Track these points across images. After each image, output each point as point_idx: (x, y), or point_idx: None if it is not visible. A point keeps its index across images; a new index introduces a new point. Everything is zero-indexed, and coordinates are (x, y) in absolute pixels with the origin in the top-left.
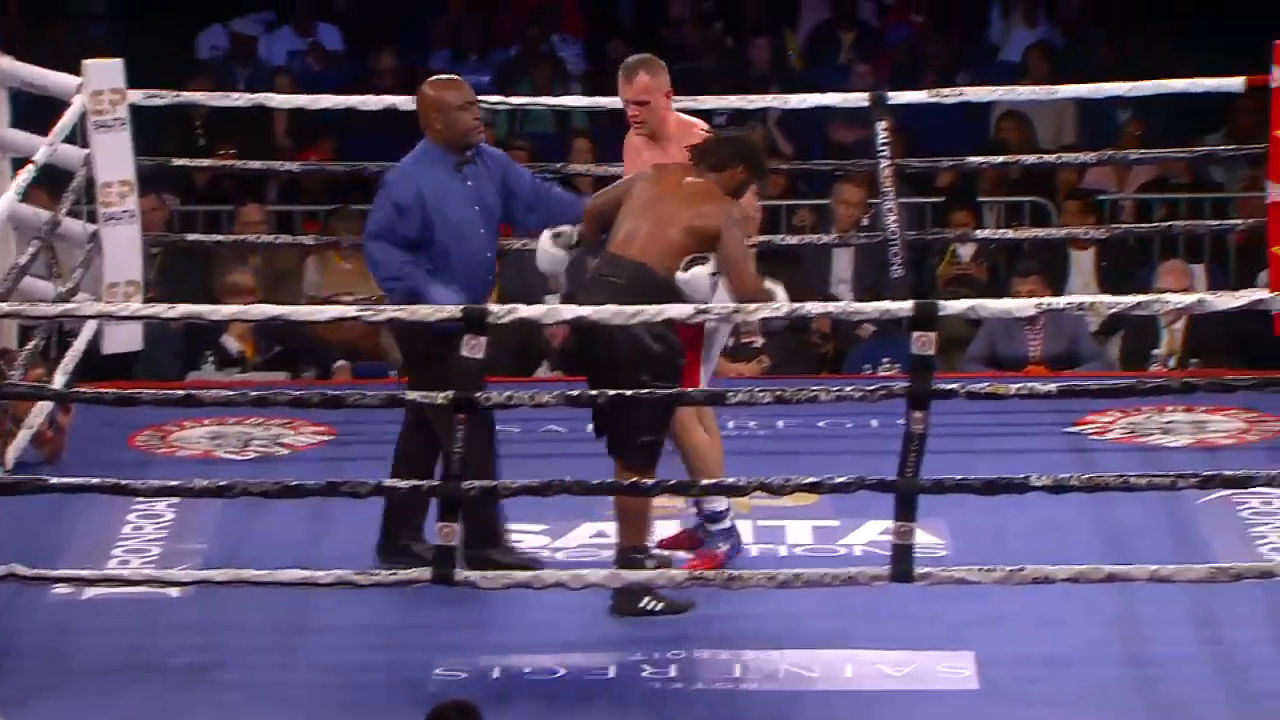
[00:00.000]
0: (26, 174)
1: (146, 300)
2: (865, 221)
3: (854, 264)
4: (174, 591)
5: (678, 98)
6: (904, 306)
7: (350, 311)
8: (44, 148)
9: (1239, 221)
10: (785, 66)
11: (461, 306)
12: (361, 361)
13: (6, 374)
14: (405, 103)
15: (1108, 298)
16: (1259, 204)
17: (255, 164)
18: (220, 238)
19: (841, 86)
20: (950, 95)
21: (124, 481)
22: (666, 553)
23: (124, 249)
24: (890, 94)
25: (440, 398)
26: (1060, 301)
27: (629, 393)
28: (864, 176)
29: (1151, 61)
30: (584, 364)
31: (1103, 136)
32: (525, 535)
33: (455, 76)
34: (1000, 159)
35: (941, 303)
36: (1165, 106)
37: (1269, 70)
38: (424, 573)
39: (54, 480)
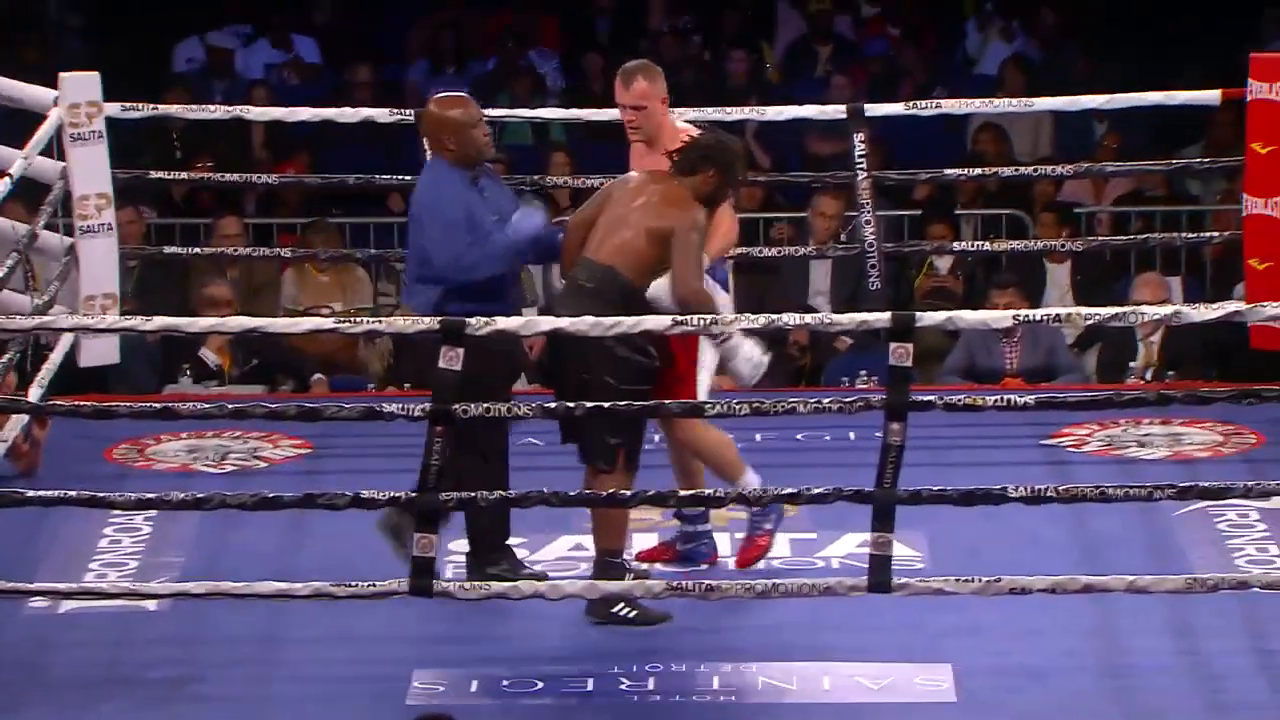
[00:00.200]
0: (3, 187)
1: (123, 313)
2: (843, 234)
3: (831, 276)
4: (151, 604)
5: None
6: (881, 318)
7: (327, 324)
8: (20, 160)
9: (1215, 234)
10: (763, 79)
11: (439, 319)
12: (338, 374)
13: None
14: (382, 115)
15: (1085, 309)
16: (1235, 217)
17: (232, 176)
18: (197, 250)
19: (819, 99)
20: (927, 108)
21: (101, 494)
22: (644, 566)
23: (101, 262)
24: (867, 106)
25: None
26: (1037, 313)
27: (606, 405)
28: (841, 189)
29: (1127, 75)
30: (551, 367)
31: (1079, 149)
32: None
33: (462, 94)
34: (977, 171)
35: (919, 315)
36: (1142, 119)
37: (1245, 84)
38: (401, 584)
39: (30, 493)
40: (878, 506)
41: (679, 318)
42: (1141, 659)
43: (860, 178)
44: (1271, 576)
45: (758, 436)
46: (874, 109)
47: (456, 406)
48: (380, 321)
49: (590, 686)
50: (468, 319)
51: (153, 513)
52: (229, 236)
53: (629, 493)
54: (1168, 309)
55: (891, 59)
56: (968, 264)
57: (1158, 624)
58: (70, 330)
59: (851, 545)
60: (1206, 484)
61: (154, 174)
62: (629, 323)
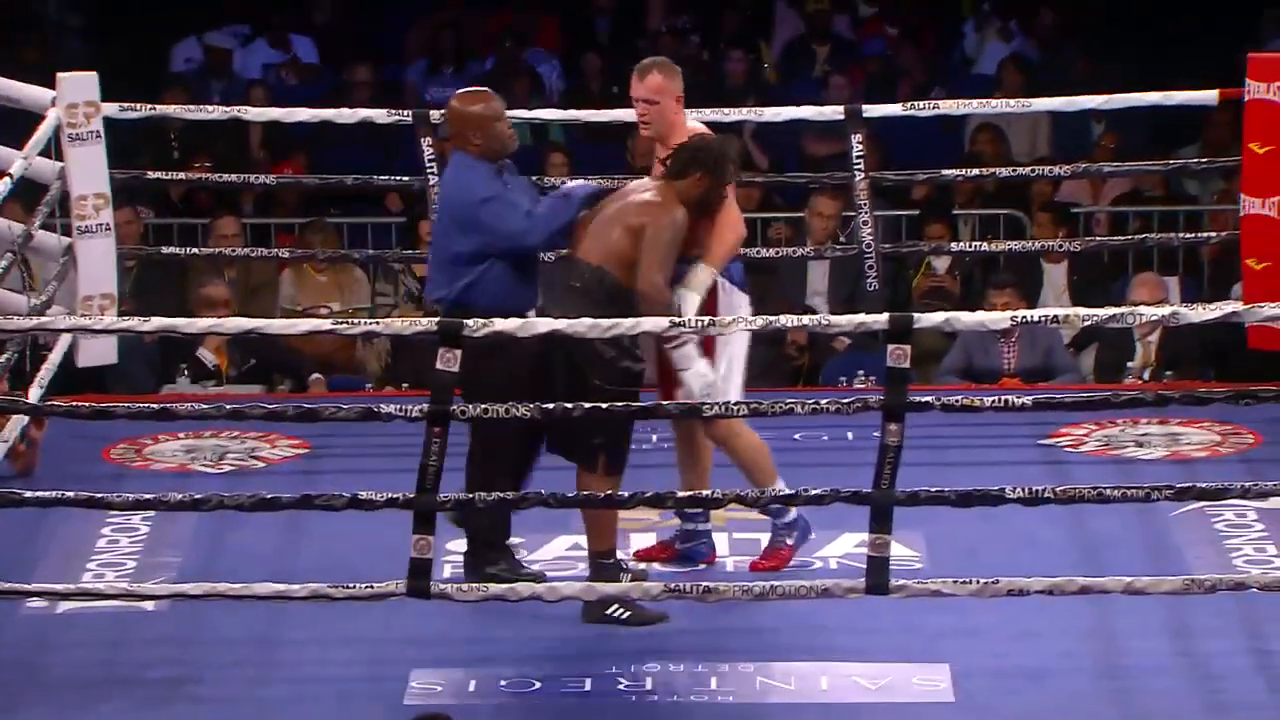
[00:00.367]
0: (1, 187)
1: (121, 313)
2: (841, 235)
3: (829, 277)
4: (149, 605)
5: None
6: (879, 319)
7: (325, 325)
8: (18, 160)
9: (1213, 234)
10: (760, 80)
11: (436, 320)
12: (336, 375)
13: None
14: (380, 116)
15: (1083, 310)
16: (1232, 217)
17: (230, 177)
18: (195, 250)
19: (816, 100)
20: (925, 108)
21: (99, 495)
22: (642, 565)
23: (99, 262)
24: (865, 107)
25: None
26: (1035, 314)
27: (604, 405)
28: (839, 189)
29: (1126, 75)
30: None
31: (1077, 149)
32: None
33: (484, 89)
34: (975, 172)
35: (917, 315)
36: (1139, 120)
37: (1243, 84)
38: (399, 585)
39: (28, 494)
40: (875, 507)
41: (676, 319)
42: (1139, 660)
43: (858, 178)
44: (1269, 577)
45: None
46: (872, 109)
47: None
48: (378, 322)
49: (588, 687)
50: (465, 320)
51: (150, 513)
52: (227, 237)
53: (626, 494)
54: (1165, 309)
55: (889, 59)
56: (965, 264)
57: (1156, 625)
58: (68, 331)
59: (849, 546)
60: (1204, 484)
61: (152, 174)
62: (626, 324)
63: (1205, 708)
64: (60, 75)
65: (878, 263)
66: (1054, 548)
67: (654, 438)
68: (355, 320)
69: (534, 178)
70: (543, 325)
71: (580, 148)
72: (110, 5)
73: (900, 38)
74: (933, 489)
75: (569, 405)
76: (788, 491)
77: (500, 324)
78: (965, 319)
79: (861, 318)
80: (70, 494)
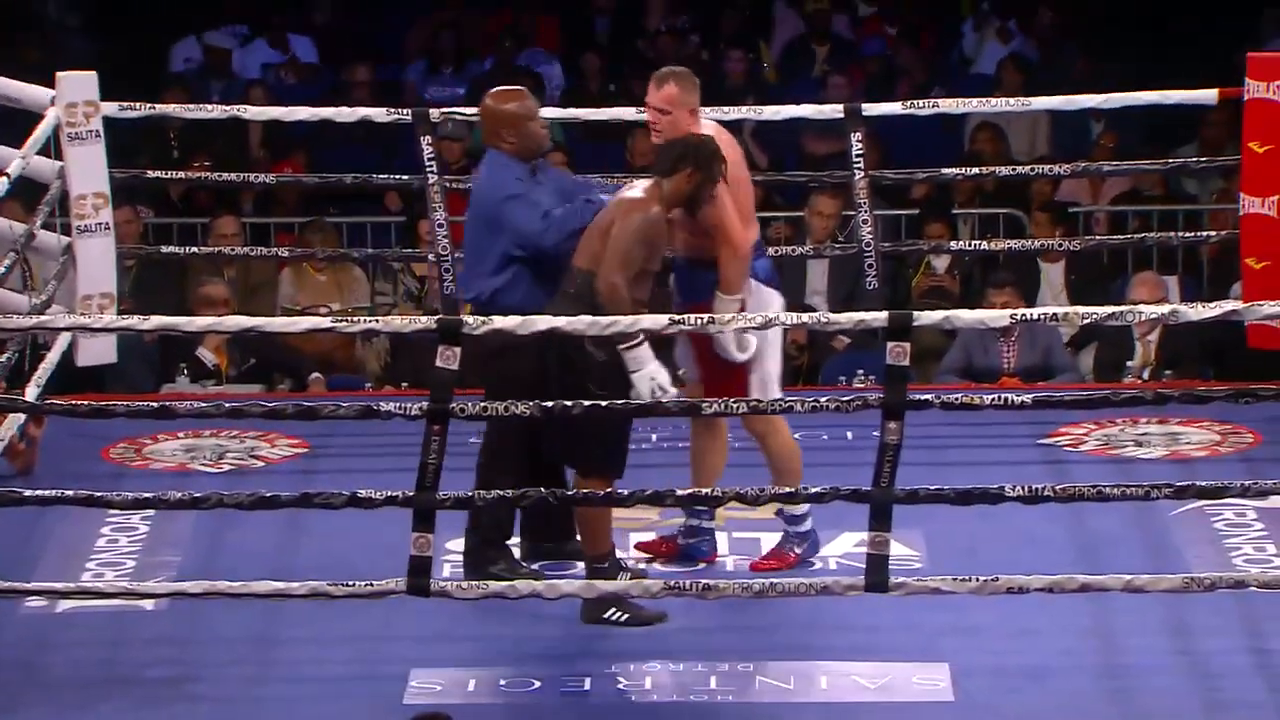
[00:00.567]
0: (0, 186)
1: (121, 312)
2: (840, 233)
3: (829, 275)
4: (148, 604)
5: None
6: (879, 317)
7: (324, 323)
8: (17, 160)
9: (1212, 233)
10: (760, 79)
11: (435, 319)
12: (336, 374)
13: None
14: (379, 115)
15: (1082, 309)
16: (1232, 216)
17: (230, 176)
18: (195, 250)
19: (816, 99)
20: (924, 107)
21: (98, 494)
22: (642, 565)
23: (98, 261)
24: (865, 106)
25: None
26: (1035, 312)
27: (604, 404)
28: (839, 188)
29: (1125, 74)
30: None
31: (1077, 149)
32: None
33: (518, 87)
34: (974, 171)
35: (916, 314)
36: (1139, 119)
37: (1241, 83)
38: (398, 584)
39: (27, 492)
40: (875, 506)
41: (675, 317)
42: (1139, 658)
43: (857, 177)
44: (1269, 575)
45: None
46: (871, 108)
47: (454, 405)
48: (377, 321)
49: (588, 686)
50: (465, 319)
51: (150, 512)
52: (226, 236)
53: (626, 492)
54: (1165, 308)
55: (889, 58)
56: (965, 263)
57: (1155, 623)
58: (67, 329)
59: (849, 544)
60: (1204, 483)
61: (151, 173)
62: (625, 322)
63: (1204, 706)
64: (60, 74)
65: (877, 262)
66: (1053, 546)
67: (654, 437)
68: (355, 319)
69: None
70: (541, 324)
71: (580, 147)
72: (110, 5)
73: (899, 37)
74: (932, 487)
75: (569, 404)
76: (789, 490)
77: (499, 322)
78: (965, 317)
79: (861, 315)
80: (70, 493)
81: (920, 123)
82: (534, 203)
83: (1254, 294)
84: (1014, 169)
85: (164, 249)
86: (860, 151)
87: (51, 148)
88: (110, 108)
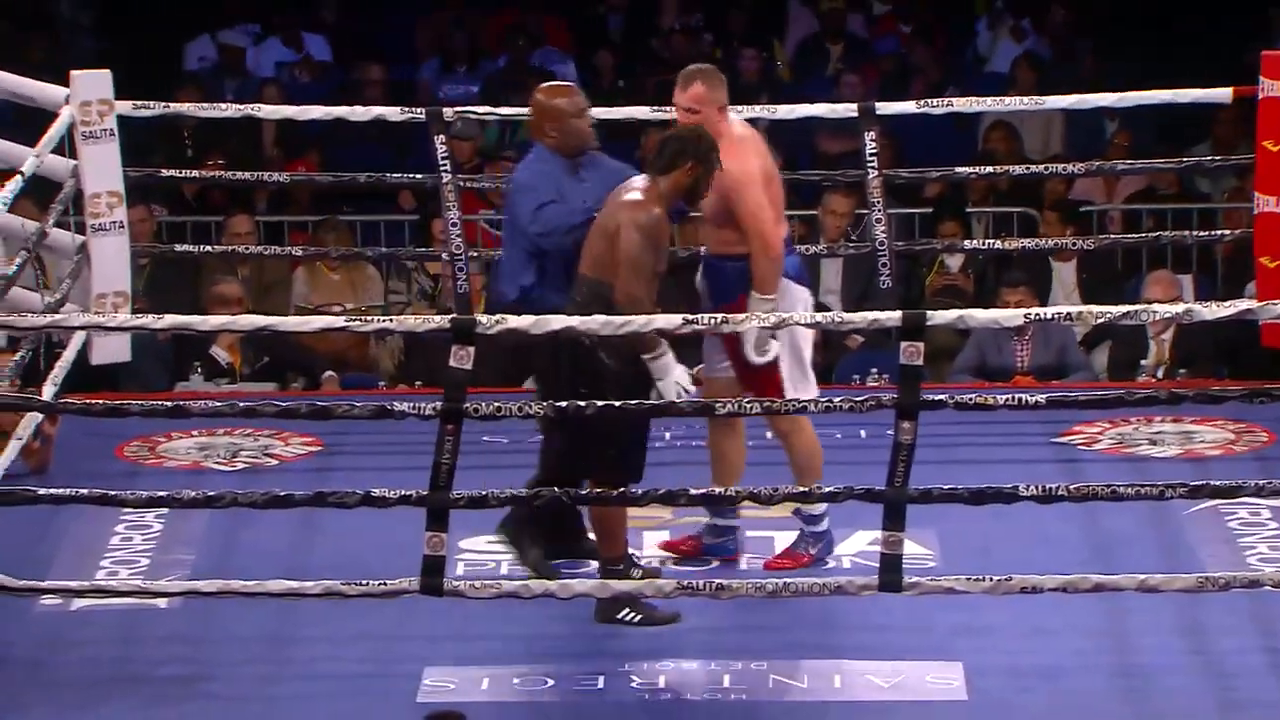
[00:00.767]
0: (14, 185)
1: (135, 311)
2: (854, 232)
3: (842, 275)
4: (162, 602)
5: (665, 109)
6: (892, 317)
7: (338, 322)
8: (32, 158)
9: (1226, 232)
10: (773, 78)
11: (449, 318)
12: (349, 372)
13: None
14: (393, 114)
15: (1096, 308)
16: (1246, 214)
17: (244, 175)
18: (209, 248)
19: (829, 97)
20: (938, 106)
21: (112, 492)
22: (656, 564)
23: (112, 260)
24: (878, 105)
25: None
26: (1049, 311)
27: (618, 404)
28: (852, 187)
29: (1130, 73)
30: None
31: (1091, 147)
32: None
33: (568, 83)
34: (988, 170)
35: (930, 313)
36: (1153, 117)
37: (1252, 81)
38: (412, 583)
39: (42, 491)
40: (889, 505)
41: (690, 317)
42: (1152, 658)
43: (871, 176)
44: None
45: (768, 434)
46: (885, 107)
47: (468, 404)
48: (391, 320)
49: (601, 684)
50: (478, 318)
51: (164, 511)
52: (240, 235)
53: (640, 491)
54: (1179, 307)
55: (903, 57)
56: (979, 262)
57: (1169, 623)
58: (82, 328)
59: (862, 544)
60: (1218, 482)
61: (165, 172)
62: (639, 322)
63: (1218, 706)
64: (74, 73)
65: (891, 261)
66: (1067, 546)
67: (667, 435)
68: (368, 318)
69: None
70: (556, 323)
71: None
72: (123, 4)
73: (913, 36)
74: (946, 487)
75: (583, 405)
76: (803, 490)
77: (514, 321)
78: (978, 316)
79: (875, 315)
80: (84, 491)
81: (934, 121)
82: (537, 194)
83: (1268, 293)
84: (1028, 168)
85: (178, 248)
86: (874, 150)
87: (66, 146)
88: (124, 106)
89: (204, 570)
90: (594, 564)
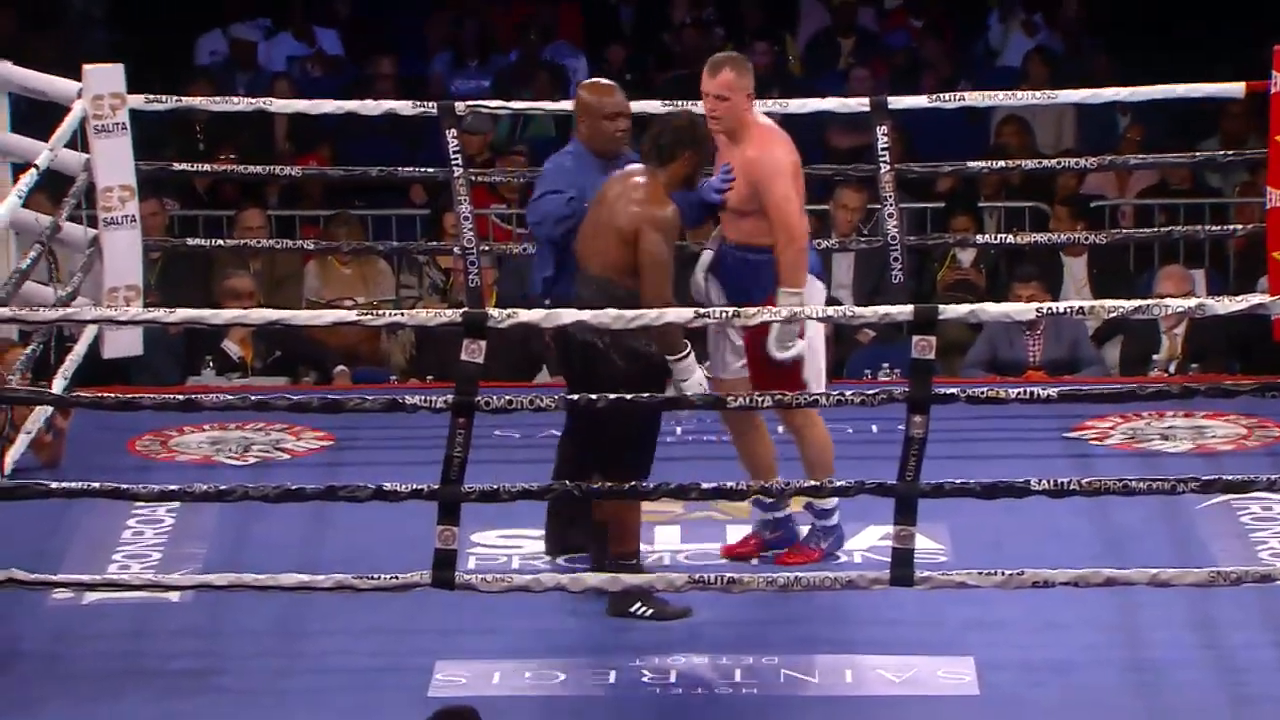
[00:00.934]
0: (27, 179)
1: (147, 305)
2: (865, 227)
3: (854, 269)
4: (174, 596)
5: (677, 103)
6: (904, 311)
7: (350, 316)
8: (45, 152)
9: (1238, 226)
10: (785, 72)
11: (461, 311)
12: (361, 367)
13: (5, 379)
14: (405, 108)
15: (1109, 302)
16: (1258, 209)
17: (255, 169)
18: (221, 242)
19: (841, 92)
20: (950, 100)
21: (124, 486)
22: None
23: (124, 254)
24: (890, 99)
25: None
26: (1061, 306)
27: (629, 396)
28: (864, 182)
29: (1151, 67)
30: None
31: (1103, 142)
32: (526, 540)
33: (609, 83)
34: (1000, 164)
35: (941, 307)
36: (1166, 112)
37: (1268, 75)
38: (424, 576)
39: (54, 485)
40: (900, 499)
41: (701, 310)
42: (1164, 652)
43: (883, 170)
44: None
45: (780, 429)
46: (897, 102)
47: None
48: (402, 314)
49: (612, 679)
50: (489, 311)
51: (175, 505)
52: (252, 229)
53: (651, 485)
54: (1191, 302)
55: (914, 51)
56: (990, 257)
57: (1180, 618)
58: (94, 322)
59: (874, 538)
60: (1230, 477)
61: (177, 166)
62: (651, 315)
63: (1230, 701)
64: (86, 67)
65: (902, 255)
66: (1079, 540)
67: (678, 429)
68: (380, 312)
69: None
70: (568, 315)
71: None
72: None
73: (925, 30)
74: (957, 481)
75: (593, 396)
76: (814, 484)
77: (524, 315)
78: (990, 310)
79: (886, 309)
80: (96, 485)
81: (945, 116)
82: (542, 185)
83: None
84: (1040, 162)
85: (190, 241)
86: (885, 144)
87: (78, 140)
88: (136, 100)
89: (216, 564)
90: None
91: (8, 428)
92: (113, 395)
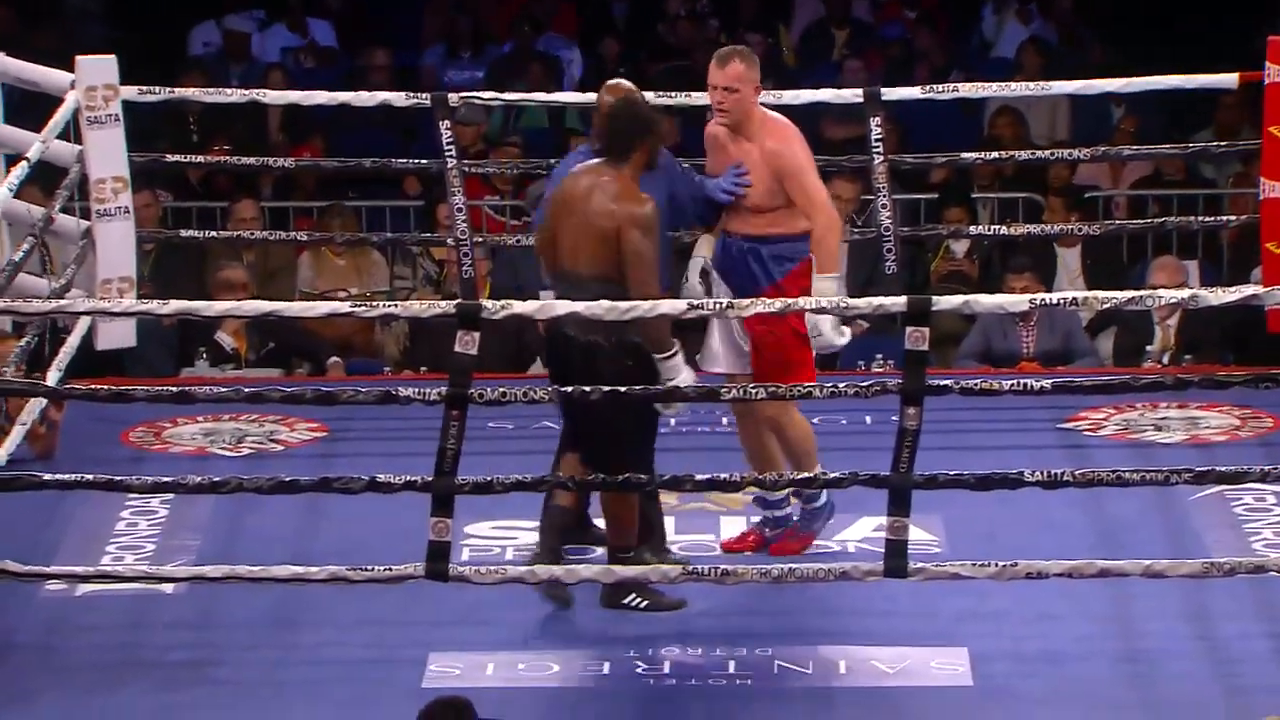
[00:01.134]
0: (20, 170)
1: (140, 296)
2: (859, 218)
3: (848, 260)
4: (168, 588)
5: (671, 94)
6: (897, 302)
7: (344, 307)
8: (37, 144)
9: (1232, 217)
10: (779, 63)
11: (454, 303)
12: (355, 358)
13: None
14: (398, 99)
15: (1103, 293)
16: (1252, 200)
17: (249, 160)
18: (214, 234)
19: (835, 83)
20: (944, 91)
21: (118, 478)
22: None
23: (117, 245)
24: (884, 90)
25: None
26: (1055, 297)
27: (623, 389)
28: (858, 173)
29: (1145, 58)
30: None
31: (1096, 133)
32: (520, 532)
33: (623, 83)
34: (994, 155)
35: (935, 298)
36: (1159, 103)
37: (1262, 66)
38: (417, 568)
39: (48, 476)
40: (894, 490)
41: (695, 301)
42: (1158, 643)
43: (876, 161)
44: None
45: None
46: (890, 92)
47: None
48: (396, 305)
49: (606, 670)
50: (483, 303)
51: (169, 496)
52: (245, 220)
53: (645, 478)
54: (1184, 292)
55: (908, 42)
56: (984, 248)
57: (1174, 608)
58: (87, 314)
59: (868, 529)
60: (1223, 468)
61: (170, 157)
62: (645, 306)
63: (1223, 691)
64: (79, 59)
65: (896, 246)
66: (1072, 531)
67: (672, 421)
68: (374, 303)
69: (552, 161)
70: (561, 307)
71: None
72: None
73: (919, 21)
74: (951, 472)
75: (587, 390)
76: (808, 475)
77: (518, 306)
78: (983, 301)
79: (879, 300)
80: (90, 477)
81: (939, 107)
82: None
83: (1274, 278)
84: (1033, 153)
85: (183, 233)
86: (879, 136)
87: (71, 132)
88: (130, 91)
89: (209, 556)
90: (599, 550)
91: (2, 419)
92: (106, 387)
